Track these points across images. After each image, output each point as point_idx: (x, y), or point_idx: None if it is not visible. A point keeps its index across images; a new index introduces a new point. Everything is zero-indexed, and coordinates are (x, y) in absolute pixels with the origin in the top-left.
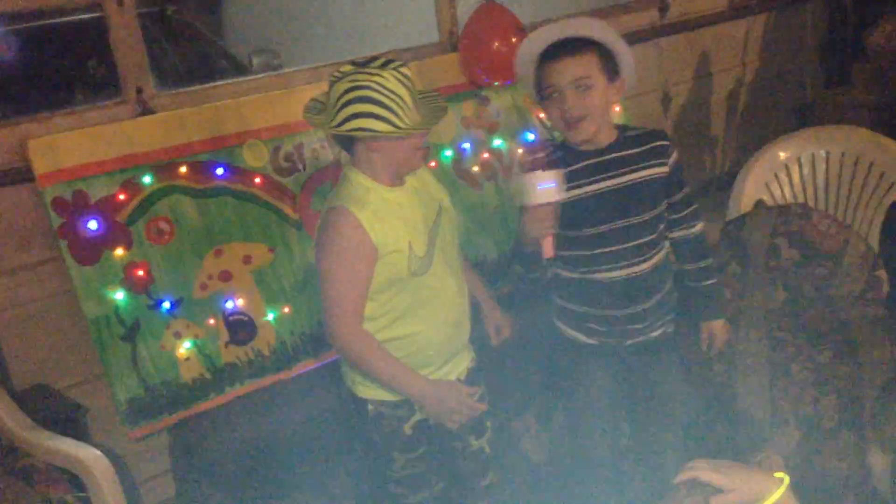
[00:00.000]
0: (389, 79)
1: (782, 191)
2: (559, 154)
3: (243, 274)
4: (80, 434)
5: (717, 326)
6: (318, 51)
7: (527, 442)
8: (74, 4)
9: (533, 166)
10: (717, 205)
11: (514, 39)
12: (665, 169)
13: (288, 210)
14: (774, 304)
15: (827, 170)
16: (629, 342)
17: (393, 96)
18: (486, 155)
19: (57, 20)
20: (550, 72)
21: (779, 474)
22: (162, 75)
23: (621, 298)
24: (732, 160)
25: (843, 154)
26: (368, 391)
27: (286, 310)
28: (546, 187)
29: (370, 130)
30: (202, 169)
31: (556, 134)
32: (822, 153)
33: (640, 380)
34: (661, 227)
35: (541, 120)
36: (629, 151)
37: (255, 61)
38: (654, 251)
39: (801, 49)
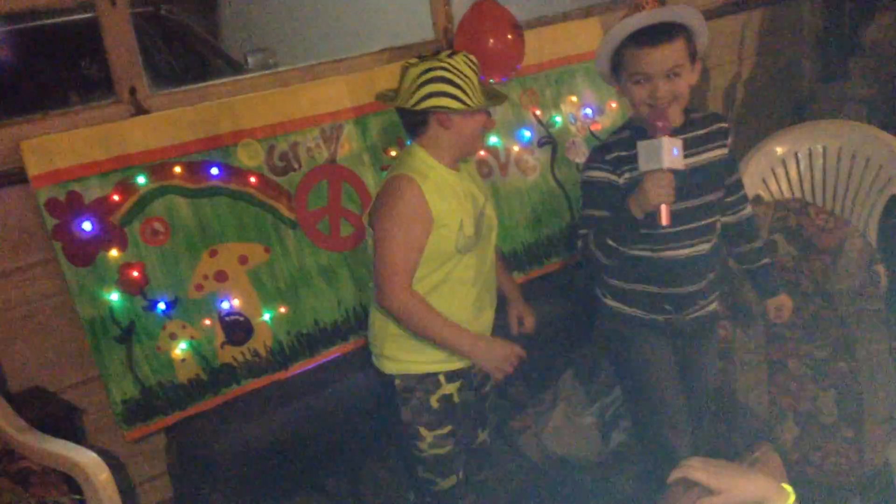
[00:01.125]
0: (461, 63)
1: (779, 186)
2: (629, 133)
3: (239, 274)
4: (77, 436)
5: (783, 300)
6: (314, 49)
7: (526, 440)
8: (67, 4)
9: (663, 131)
10: None
11: (509, 36)
12: (725, 151)
13: (283, 209)
14: None
15: (824, 164)
16: (689, 318)
17: (464, 77)
18: (482, 152)
19: (50, 20)
20: (643, 59)
21: (787, 487)
22: (157, 75)
23: (681, 277)
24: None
25: (840, 148)
26: (395, 366)
27: (282, 310)
28: (677, 153)
29: (444, 107)
30: (197, 169)
31: (553, 130)
32: (820, 148)
33: (689, 350)
34: (720, 208)
35: (537, 117)
36: (697, 133)
37: (251, 60)
38: (715, 232)
39: (798, 43)
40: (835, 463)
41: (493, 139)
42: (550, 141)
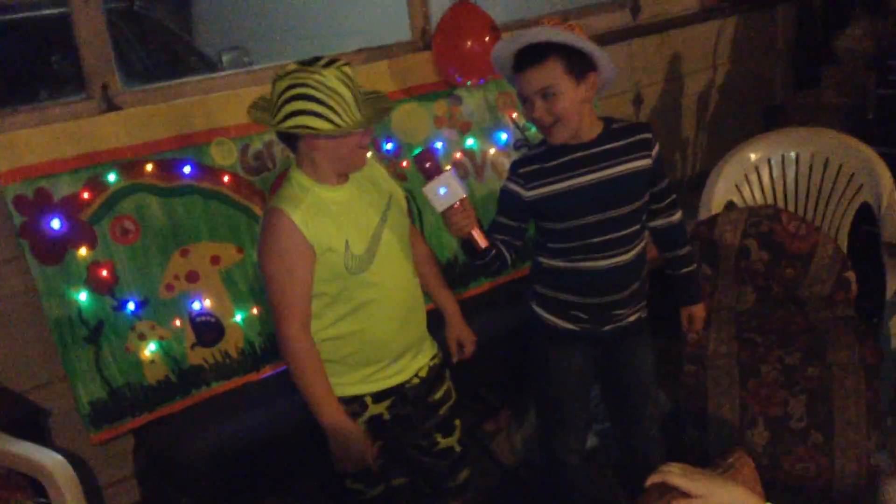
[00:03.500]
0: (330, 77)
1: (752, 192)
2: (539, 151)
3: (211, 274)
4: (42, 438)
5: (698, 310)
6: (289, 48)
7: (498, 443)
8: None
9: (427, 177)
10: (687, 206)
11: (486, 39)
12: (648, 161)
13: (257, 209)
14: (744, 304)
15: (797, 171)
16: (607, 328)
17: (333, 94)
18: (458, 155)
19: (20, 14)
20: (520, 82)
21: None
22: (130, 72)
23: (603, 288)
24: (703, 161)
25: (812, 156)
26: None
27: (254, 311)
28: (444, 192)
29: (309, 128)
30: (169, 167)
31: (529, 133)
32: (792, 155)
33: (615, 359)
34: (643, 217)
35: (513, 120)
36: (614, 144)
37: (225, 59)
38: (637, 241)
39: (771, 51)
40: (805, 468)
41: (469, 142)
42: (527, 144)
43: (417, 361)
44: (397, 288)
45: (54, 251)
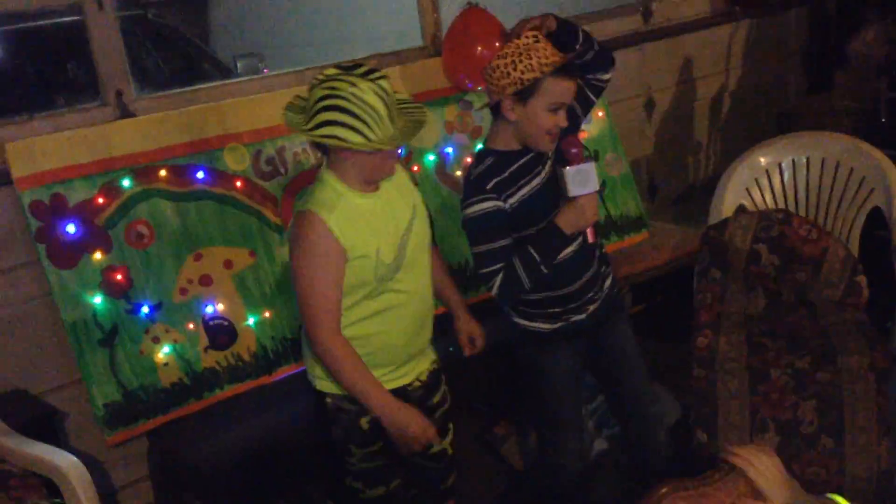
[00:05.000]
0: (367, 91)
1: (763, 196)
2: (494, 159)
3: (224, 278)
4: (58, 439)
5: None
6: (304, 54)
7: (508, 447)
8: (54, 7)
9: (569, 161)
10: (699, 210)
11: (497, 44)
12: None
13: (269, 214)
14: (755, 309)
15: (808, 175)
16: (588, 311)
17: (367, 109)
18: (469, 159)
19: (36, 23)
20: (566, 90)
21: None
22: (145, 78)
23: (578, 271)
24: (715, 165)
25: (823, 160)
26: (327, 385)
27: (267, 314)
28: (583, 179)
29: (340, 139)
30: (182, 172)
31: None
32: (803, 159)
33: (600, 344)
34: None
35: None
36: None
37: (240, 65)
38: None
39: (784, 55)
40: (815, 473)
41: (480, 146)
42: None
43: (420, 366)
44: (417, 296)
45: (70, 255)
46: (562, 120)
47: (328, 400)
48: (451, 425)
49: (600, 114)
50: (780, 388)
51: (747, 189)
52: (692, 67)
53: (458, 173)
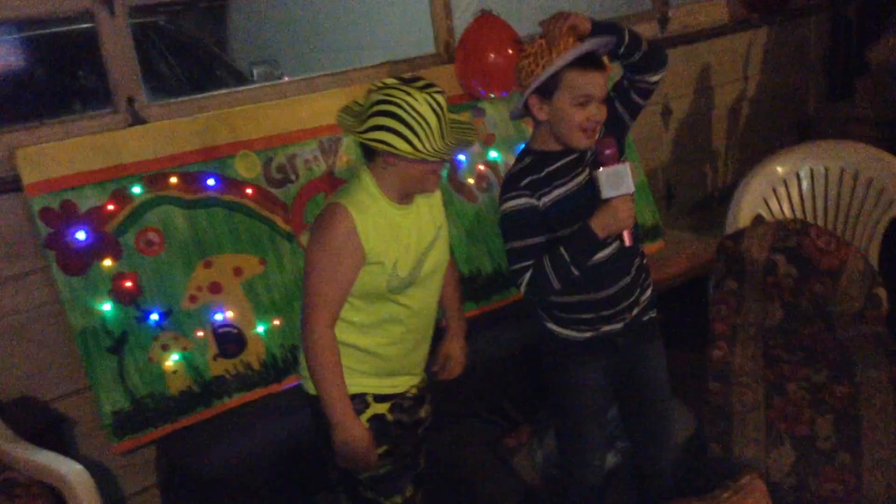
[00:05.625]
0: (421, 102)
1: (780, 206)
2: (532, 159)
3: (233, 286)
4: (66, 447)
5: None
6: (319, 61)
7: (519, 459)
8: (66, 14)
9: (603, 162)
10: (717, 219)
11: (509, 52)
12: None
13: (280, 222)
14: (771, 321)
15: (826, 185)
16: (624, 322)
17: (420, 119)
18: (481, 167)
19: (48, 30)
20: (591, 81)
21: None
22: (158, 85)
23: (612, 274)
24: (733, 174)
25: (842, 169)
26: None
27: (276, 322)
28: (618, 181)
29: (388, 145)
30: (193, 180)
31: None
32: (821, 168)
33: (631, 368)
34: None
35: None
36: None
37: (256, 72)
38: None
39: (803, 63)
40: (832, 489)
41: (492, 154)
42: None
43: (412, 380)
44: (422, 313)
45: (79, 262)
46: (595, 114)
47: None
48: (424, 445)
49: None
50: (797, 401)
51: (764, 199)
52: (710, 75)
53: (471, 180)
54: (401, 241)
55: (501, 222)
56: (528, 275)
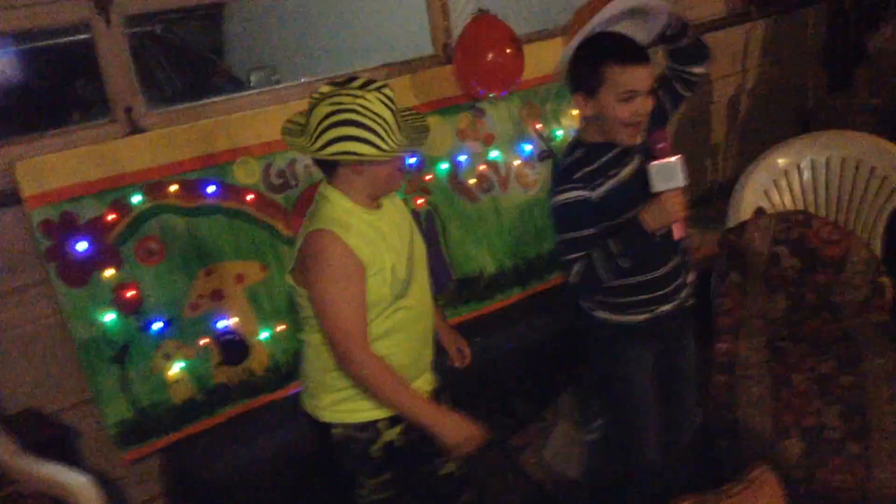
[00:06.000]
0: (373, 101)
1: (782, 198)
2: (584, 151)
3: (236, 293)
4: (72, 458)
5: None
6: (316, 66)
7: (526, 458)
8: (62, 25)
9: (655, 156)
10: (718, 213)
11: (508, 51)
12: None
13: (280, 227)
14: (775, 312)
15: (827, 176)
16: (670, 307)
17: (377, 118)
18: (482, 167)
19: (45, 42)
20: (634, 75)
21: None
22: (156, 94)
23: (661, 255)
24: (734, 168)
25: (843, 160)
26: (333, 415)
27: (280, 328)
28: (669, 175)
29: (355, 154)
30: (192, 187)
31: (553, 144)
32: (822, 159)
33: (673, 353)
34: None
35: (538, 131)
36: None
37: (253, 78)
38: None
39: (802, 54)
40: (841, 479)
41: (493, 154)
42: (551, 155)
43: (426, 385)
44: (424, 311)
45: (80, 273)
46: (641, 108)
47: (335, 431)
48: None
49: None
50: (803, 393)
51: (766, 191)
52: (709, 68)
53: (472, 181)
54: (389, 243)
55: (553, 213)
56: (577, 266)
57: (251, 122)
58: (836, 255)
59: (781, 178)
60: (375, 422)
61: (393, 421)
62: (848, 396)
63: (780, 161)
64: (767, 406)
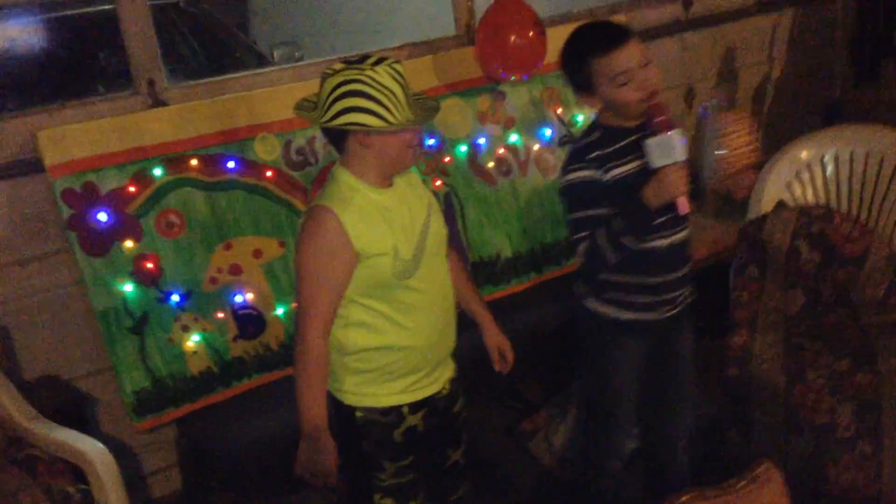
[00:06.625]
0: (382, 74)
1: (804, 191)
2: (600, 134)
3: (253, 268)
4: (88, 425)
5: None
6: (341, 44)
7: (536, 443)
8: None
9: (654, 131)
10: (739, 205)
11: (531, 33)
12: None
13: (299, 204)
14: (793, 308)
15: (850, 170)
16: (666, 315)
17: (385, 91)
18: (501, 150)
19: (69, 11)
20: (618, 58)
21: None
22: (178, 67)
23: (665, 265)
24: (758, 159)
25: (867, 154)
26: (357, 399)
27: (296, 304)
28: (667, 150)
29: (361, 125)
30: (213, 162)
31: (574, 129)
32: (846, 153)
33: (664, 350)
34: None
35: (558, 116)
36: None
37: (277, 54)
38: (688, 220)
39: (829, 45)
40: (852, 478)
41: (513, 137)
42: (571, 140)
43: (447, 372)
44: (439, 295)
45: (101, 243)
46: (644, 83)
47: (358, 414)
48: (464, 436)
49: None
50: (817, 390)
51: (788, 184)
52: (734, 57)
53: (491, 164)
54: (395, 224)
55: (563, 192)
56: (583, 245)
57: (272, 99)
58: (856, 251)
59: (804, 171)
60: (399, 406)
61: (416, 406)
62: (862, 395)
63: (803, 154)
64: (780, 402)
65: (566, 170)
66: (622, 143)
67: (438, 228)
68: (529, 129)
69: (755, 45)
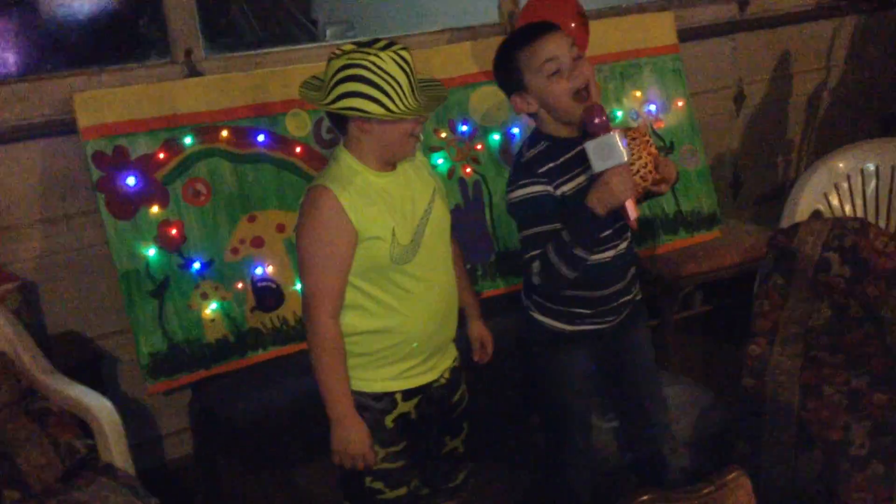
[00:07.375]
0: (387, 61)
1: (841, 203)
2: (547, 145)
3: (275, 241)
4: (103, 383)
5: None
6: (396, 25)
7: (540, 436)
8: None
9: (592, 133)
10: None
11: (572, 25)
12: None
13: None
14: (817, 321)
15: (891, 185)
16: (611, 324)
17: (388, 78)
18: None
19: None
20: (543, 46)
21: None
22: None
23: (610, 278)
24: (807, 166)
25: None
26: (350, 383)
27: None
28: (607, 152)
29: (360, 111)
30: (244, 134)
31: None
32: (888, 167)
33: (617, 350)
34: None
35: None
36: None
37: (329, 31)
38: (629, 229)
39: (891, 56)
40: (861, 498)
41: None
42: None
43: (445, 361)
44: (438, 283)
45: (127, 207)
46: (578, 76)
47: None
48: (465, 425)
49: (680, 103)
50: (833, 406)
51: (825, 194)
52: (789, 62)
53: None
54: (394, 207)
55: (514, 209)
56: (536, 263)
57: (306, 76)
58: (889, 267)
59: (843, 182)
60: (392, 393)
61: (410, 394)
62: (879, 415)
63: (842, 164)
64: (793, 415)
65: (517, 184)
66: (569, 156)
67: (440, 214)
68: None
69: (812, 50)
